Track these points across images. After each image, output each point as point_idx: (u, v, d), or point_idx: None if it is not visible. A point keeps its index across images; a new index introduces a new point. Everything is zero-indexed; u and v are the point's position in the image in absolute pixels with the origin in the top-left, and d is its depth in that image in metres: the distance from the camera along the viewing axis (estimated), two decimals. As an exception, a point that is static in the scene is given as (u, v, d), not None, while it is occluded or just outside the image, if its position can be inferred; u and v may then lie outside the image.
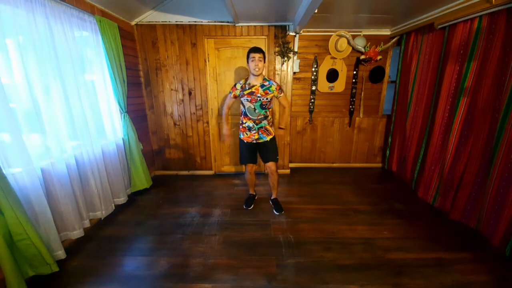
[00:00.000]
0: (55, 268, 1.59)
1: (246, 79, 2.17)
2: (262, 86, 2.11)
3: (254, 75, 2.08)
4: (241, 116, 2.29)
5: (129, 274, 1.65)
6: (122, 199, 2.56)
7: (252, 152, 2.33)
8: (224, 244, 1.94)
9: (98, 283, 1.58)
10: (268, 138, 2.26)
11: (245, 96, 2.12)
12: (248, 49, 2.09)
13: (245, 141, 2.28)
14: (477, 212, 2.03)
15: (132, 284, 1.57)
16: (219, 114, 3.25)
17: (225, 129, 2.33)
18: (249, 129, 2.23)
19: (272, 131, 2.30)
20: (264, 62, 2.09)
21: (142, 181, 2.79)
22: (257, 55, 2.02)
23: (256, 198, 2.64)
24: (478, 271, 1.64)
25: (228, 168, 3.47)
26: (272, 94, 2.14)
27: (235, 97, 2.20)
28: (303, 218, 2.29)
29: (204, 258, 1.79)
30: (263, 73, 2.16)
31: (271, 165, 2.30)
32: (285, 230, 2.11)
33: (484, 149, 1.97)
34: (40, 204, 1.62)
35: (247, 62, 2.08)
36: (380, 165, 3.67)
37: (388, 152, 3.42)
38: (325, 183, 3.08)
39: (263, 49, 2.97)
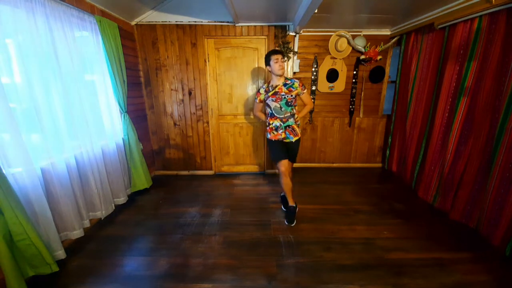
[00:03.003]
0: (55, 268, 1.59)
1: (269, 82, 2.23)
2: (285, 85, 2.16)
3: (277, 75, 2.13)
4: (267, 118, 2.32)
5: (129, 274, 1.65)
6: (122, 199, 2.56)
7: (283, 148, 2.25)
8: (224, 244, 1.94)
9: (98, 283, 1.58)
10: (294, 139, 2.25)
11: (270, 98, 2.17)
12: (268, 52, 2.20)
13: (273, 139, 2.27)
14: (477, 212, 2.03)
15: (132, 284, 1.57)
16: (220, 115, 3.25)
17: (264, 118, 2.43)
18: (276, 128, 2.23)
19: (298, 132, 2.28)
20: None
21: (142, 181, 2.79)
22: (280, 56, 2.08)
23: (297, 210, 2.34)
24: (478, 271, 1.64)
25: (228, 168, 3.47)
26: (296, 91, 2.17)
27: (261, 101, 2.27)
28: (303, 218, 2.29)
29: (204, 258, 1.79)
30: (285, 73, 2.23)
31: (290, 167, 2.30)
32: (285, 230, 2.11)
33: (484, 149, 1.97)
34: (40, 204, 1.61)
35: (268, 65, 2.14)
36: (380, 165, 3.67)
37: (388, 152, 3.42)
38: (325, 183, 3.08)
39: (266, 50, 3.00)
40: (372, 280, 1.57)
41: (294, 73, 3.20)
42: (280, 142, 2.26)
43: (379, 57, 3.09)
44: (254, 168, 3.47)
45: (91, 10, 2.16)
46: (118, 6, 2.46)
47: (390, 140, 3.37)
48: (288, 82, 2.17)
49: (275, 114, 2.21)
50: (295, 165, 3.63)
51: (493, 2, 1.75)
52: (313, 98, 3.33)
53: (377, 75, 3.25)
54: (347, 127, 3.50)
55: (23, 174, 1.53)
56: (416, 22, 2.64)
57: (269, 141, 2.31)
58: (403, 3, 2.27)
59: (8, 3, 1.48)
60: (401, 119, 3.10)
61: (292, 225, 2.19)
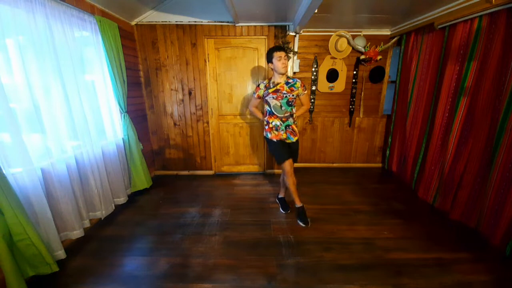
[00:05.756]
0: (55, 268, 1.59)
1: (270, 79, 2.18)
2: (287, 83, 2.11)
3: (280, 73, 2.08)
4: (265, 116, 2.27)
5: (129, 274, 1.65)
6: (122, 199, 2.56)
7: (286, 147, 2.22)
8: (224, 244, 1.94)
9: (98, 283, 1.58)
10: (294, 139, 2.23)
11: (271, 94, 2.11)
12: (270, 48, 2.13)
13: (275, 140, 2.20)
14: (477, 212, 2.03)
15: (132, 284, 1.57)
16: (220, 115, 3.25)
17: (261, 116, 2.41)
18: (276, 128, 2.19)
19: (297, 132, 2.27)
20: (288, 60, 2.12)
21: (142, 181, 2.79)
22: (283, 54, 2.03)
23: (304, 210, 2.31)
24: (478, 271, 1.64)
25: (228, 168, 3.47)
26: (297, 91, 2.14)
27: (259, 97, 2.21)
28: (303, 218, 2.29)
29: (204, 258, 1.79)
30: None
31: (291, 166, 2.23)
32: (285, 230, 2.11)
33: (484, 149, 1.97)
34: (40, 204, 1.61)
35: (270, 61, 2.08)
36: (380, 165, 3.67)
37: (388, 152, 3.42)
38: (325, 183, 3.08)
39: (265, 50, 3.00)
40: (372, 280, 1.57)
41: (294, 73, 3.20)
42: (282, 142, 2.22)
43: (379, 57, 3.09)
44: (254, 168, 3.47)
45: (91, 10, 2.16)
46: (118, 6, 2.46)
47: (390, 140, 3.37)
48: (290, 81, 2.13)
49: (275, 113, 2.16)
50: (295, 165, 3.63)
51: (493, 2, 1.75)
52: (313, 98, 3.33)
53: (377, 75, 3.25)
54: (347, 127, 3.50)
55: (23, 174, 1.53)
56: (416, 22, 2.64)
57: (270, 141, 2.22)
58: (403, 3, 2.27)
59: (8, 3, 1.48)
60: (401, 119, 3.10)
61: (308, 225, 2.15)
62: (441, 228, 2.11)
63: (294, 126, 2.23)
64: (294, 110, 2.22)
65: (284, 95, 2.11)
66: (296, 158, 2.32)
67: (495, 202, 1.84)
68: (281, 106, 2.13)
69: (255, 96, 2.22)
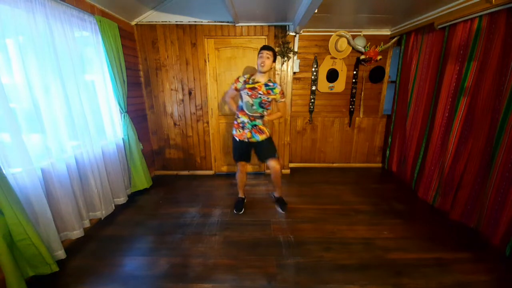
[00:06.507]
0: (55, 268, 1.59)
1: (252, 75, 2.16)
2: (266, 85, 2.10)
3: (260, 72, 2.08)
4: (237, 110, 2.27)
5: (129, 274, 1.65)
6: (122, 199, 2.56)
7: (244, 150, 2.28)
8: (224, 244, 1.94)
9: (98, 283, 1.58)
10: (261, 138, 2.21)
11: (246, 90, 2.10)
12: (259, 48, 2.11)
13: (238, 139, 2.24)
14: (477, 212, 2.03)
15: (132, 284, 1.57)
16: (220, 114, 3.25)
17: (235, 109, 2.33)
18: (243, 126, 2.19)
19: (267, 131, 2.25)
20: (274, 61, 2.08)
21: (142, 181, 2.79)
22: (265, 52, 2.02)
23: (245, 201, 2.56)
24: (478, 271, 1.64)
25: (228, 168, 3.47)
26: (274, 96, 2.13)
27: (236, 89, 2.18)
28: (303, 218, 2.29)
29: (204, 258, 1.79)
30: (270, 74, 2.15)
31: (271, 163, 2.24)
32: (285, 230, 2.11)
33: (484, 149, 1.97)
34: (40, 204, 1.61)
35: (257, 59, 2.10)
36: (380, 165, 3.67)
37: (388, 152, 3.42)
38: (325, 183, 3.08)
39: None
40: (372, 280, 1.57)
41: (294, 73, 3.20)
42: (243, 144, 2.23)
43: (379, 57, 3.09)
44: (253, 168, 3.47)
45: (91, 10, 2.16)
46: (118, 6, 2.46)
47: (390, 140, 3.37)
48: (270, 84, 2.12)
49: (244, 109, 2.16)
50: (295, 165, 3.65)
51: (493, 2, 1.75)
52: (313, 98, 3.33)
53: (377, 75, 3.25)
54: (347, 127, 3.51)
55: (23, 174, 1.53)
56: (416, 22, 2.64)
57: (234, 138, 2.28)
58: (403, 3, 2.27)
59: (8, 3, 1.48)
60: (401, 119, 3.10)
61: (240, 213, 2.38)
62: (441, 228, 2.11)
63: (262, 127, 2.23)
64: (265, 113, 2.22)
65: (259, 95, 2.09)
66: (270, 155, 2.25)
67: (495, 202, 1.84)
68: (252, 105, 2.12)
69: (233, 87, 2.18)
